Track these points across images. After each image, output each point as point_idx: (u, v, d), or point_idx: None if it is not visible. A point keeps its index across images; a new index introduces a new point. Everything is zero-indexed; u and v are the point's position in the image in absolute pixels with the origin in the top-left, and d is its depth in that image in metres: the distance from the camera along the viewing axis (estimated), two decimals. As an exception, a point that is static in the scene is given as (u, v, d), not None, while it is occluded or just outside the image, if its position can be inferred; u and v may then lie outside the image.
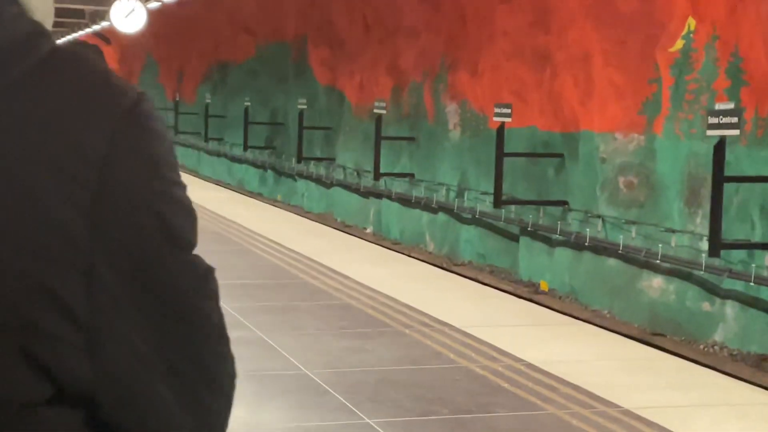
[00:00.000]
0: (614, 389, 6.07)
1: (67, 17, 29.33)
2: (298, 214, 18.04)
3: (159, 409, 0.96)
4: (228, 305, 8.22)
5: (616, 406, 5.76)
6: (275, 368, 6.47)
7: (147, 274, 0.94)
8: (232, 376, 1.03)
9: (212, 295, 1.06)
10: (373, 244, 13.20)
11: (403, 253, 15.40)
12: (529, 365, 6.63)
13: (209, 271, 1.08)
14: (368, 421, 5.46)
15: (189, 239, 1.02)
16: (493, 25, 15.29)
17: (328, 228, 14.12)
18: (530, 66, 14.57)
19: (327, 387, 6.04)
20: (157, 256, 0.95)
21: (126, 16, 18.86)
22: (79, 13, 27.87)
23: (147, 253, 0.94)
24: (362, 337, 7.30)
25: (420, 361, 6.71)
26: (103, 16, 26.00)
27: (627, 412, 5.65)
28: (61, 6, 25.21)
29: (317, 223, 15.06)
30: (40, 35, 0.97)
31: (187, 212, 1.02)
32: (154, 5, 20.20)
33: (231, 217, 13.66)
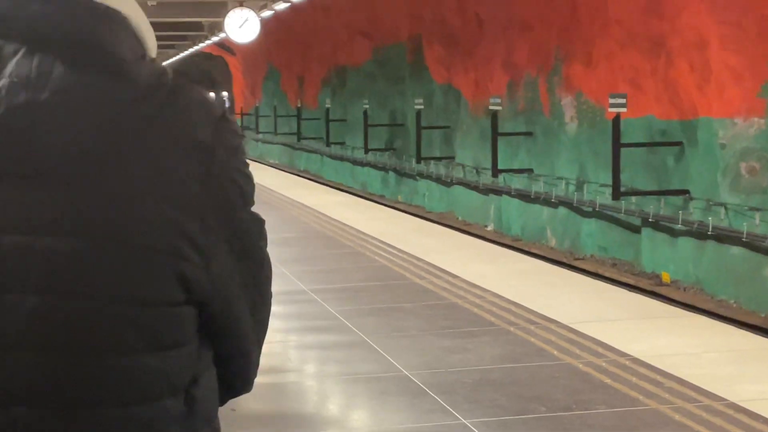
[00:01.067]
0: (721, 382, 5.87)
1: (188, 30, 29.94)
2: (418, 215, 18.07)
3: (240, 309, 1.49)
4: (334, 308, 8.26)
5: (722, 399, 5.58)
6: (375, 371, 6.45)
7: (231, 221, 1.45)
8: (271, 295, 1.57)
9: (265, 238, 1.55)
10: (488, 242, 13.08)
11: (525, 250, 15.27)
12: (635, 360, 6.46)
13: (263, 221, 1.56)
14: (464, 421, 5.40)
15: (252, 199, 1.51)
16: (605, 14, 15.03)
17: (443, 228, 14.07)
18: (644, 53, 14.28)
19: (425, 387, 5.99)
20: (236, 209, 1.46)
21: (240, 27, 19.12)
22: (198, 26, 28.41)
23: (231, 208, 1.45)
24: (465, 336, 7.23)
25: (521, 359, 6.61)
26: (221, 27, 26.50)
27: (732, 405, 5.46)
28: (179, 20, 25.75)
29: (433, 223, 15.03)
30: (164, 72, 1.47)
31: (252, 182, 1.52)
32: (267, 14, 20.44)
33: (344, 220, 13.72)
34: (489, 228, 19.23)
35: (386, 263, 10.34)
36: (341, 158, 29.34)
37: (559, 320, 7.59)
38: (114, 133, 1.38)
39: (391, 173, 25.28)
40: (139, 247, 1.37)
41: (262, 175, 22.82)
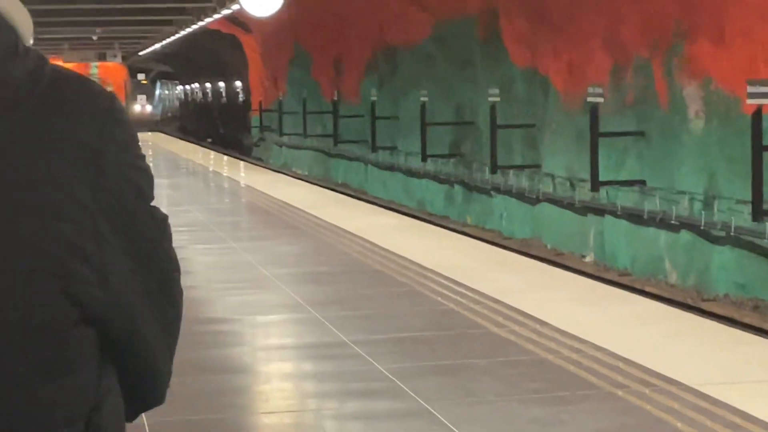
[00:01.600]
0: None
1: (191, 1, 30.17)
2: (494, 243, 18.08)
3: (144, 321, 1.76)
4: (383, 366, 8.26)
5: None
6: (441, 448, 6.47)
7: (129, 226, 1.69)
8: (181, 293, 1.86)
9: (169, 236, 1.81)
10: (587, 278, 13.01)
11: (634, 288, 15.19)
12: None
13: (166, 218, 1.79)
14: None
15: (151, 194, 1.74)
16: (741, -25, 15.02)
17: (527, 259, 14.04)
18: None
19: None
20: (134, 211, 1.70)
21: (257, -3, 19.27)
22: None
23: (128, 210, 1.68)
24: (559, 402, 7.20)
25: (634, 428, 6.59)
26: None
27: None
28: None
29: (511, 253, 14.99)
30: (39, 65, 1.66)
31: (149, 175, 1.74)
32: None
33: (397, 249, 13.72)
34: (588, 259, 19.18)
35: (453, 306, 10.33)
36: (391, 168, 29.42)
37: (682, 381, 7.55)
38: None
39: (457, 187, 25.31)
40: (21, 270, 1.59)
41: (287, 189, 23.01)
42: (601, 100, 17.55)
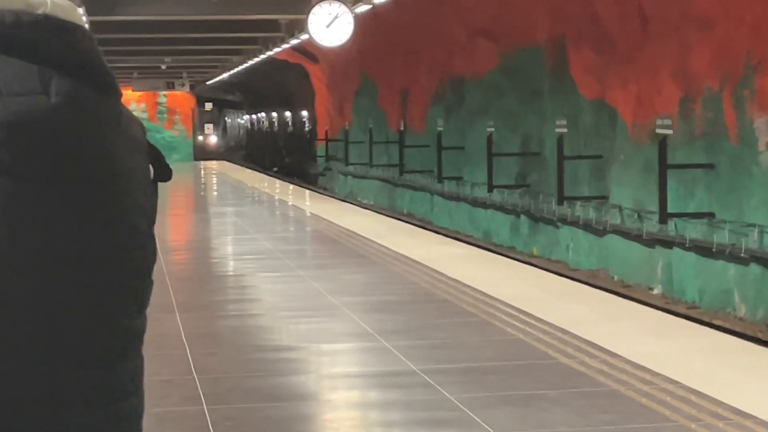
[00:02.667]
0: None
1: (261, 31, 30.23)
2: (560, 274, 17.95)
3: None
4: (453, 396, 8.20)
5: None
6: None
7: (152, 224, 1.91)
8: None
9: None
10: (657, 311, 12.89)
11: (703, 321, 15.03)
12: None
13: None
14: None
15: None
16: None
17: (597, 291, 13.94)
18: None
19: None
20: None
21: (327, 26, 19.27)
22: (274, 25, 28.70)
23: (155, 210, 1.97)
24: (631, 435, 7.15)
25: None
26: (303, 26, 26.69)
27: None
28: (250, 18, 26.05)
29: (579, 284, 14.89)
30: None
31: None
32: (363, 9, 20.51)
33: (465, 279, 13.67)
34: (655, 291, 19.01)
35: (522, 336, 10.26)
36: (457, 198, 29.36)
37: (757, 415, 7.44)
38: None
39: (522, 218, 25.21)
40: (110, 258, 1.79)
41: (353, 218, 23.06)
42: (670, 131, 17.43)
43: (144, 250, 1.82)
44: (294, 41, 28.40)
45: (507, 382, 8.66)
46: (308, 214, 25.19)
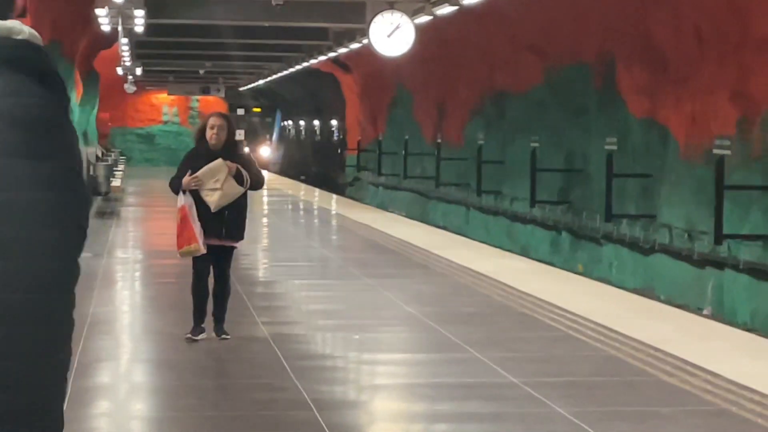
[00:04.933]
0: None
1: (308, 39, 30.17)
2: (622, 288, 17.89)
3: None
4: (565, 410, 8.14)
5: None
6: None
7: None
8: None
9: None
10: (743, 331, 12.83)
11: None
12: None
13: None
14: None
15: None
16: None
17: (672, 308, 13.86)
18: None
19: None
20: None
21: (389, 36, 19.23)
22: (322, 34, 28.71)
23: None
24: (755, 455, 7.12)
25: None
26: (352, 36, 26.61)
27: None
28: (298, 24, 25.99)
29: (653, 301, 14.81)
30: None
31: None
32: (424, 20, 20.50)
33: (537, 293, 13.60)
34: (706, 312, 18.91)
35: (614, 353, 10.20)
36: (495, 212, 29.25)
37: None
38: None
39: (564, 234, 25.11)
40: None
41: (404, 229, 22.97)
42: (728, 152, 17.34)
43: None
44: (342, 50, 28.36)
45: (614, 398, 8.61)
46: (357, 223, 24.98)
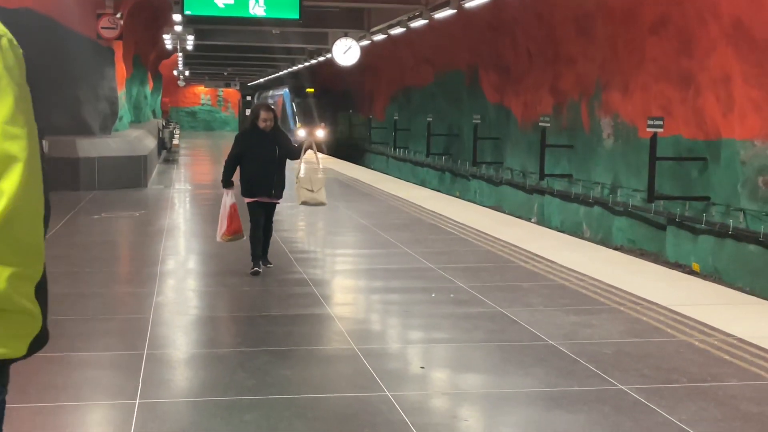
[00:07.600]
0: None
1: (292, 54, 29.48)
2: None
3: None
4: (465, 284, 7.90)
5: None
6: (523, 339, 6.11)
7: None
8: None
9: None
10: (562, 234, 12.51)
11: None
12: (741, 339, 6.09)
13: None
14: (622, 387, 5.05)
15: None
16: (642, 53, 14.59)
17: (511, 217, 13.56)
18: (676, 86, 13.84)
19: (574, 356, 5.65)
20: None
21: (344, 53, 18.76)
22: (302, 51, 28.00)
23: None
24: (585, 313, 6.85)
25: (643, 335, 6.24)
26: (321, 53, 26.03)
27: None
28: (287, 45, 25.36)
29: (509, 216, 14.53)
30: None
31: None
32: (364, 43, 20.06)
33: (438, 210, 13.29)
34: (533, 221, 18.75)
35: (490, 248, 9.89)
36: (404, 160, 28.83)
37: (658, 302, 7.17)
38: None
39: (447, 174, 24.78)
40: None
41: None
42: (548, 125, 17.04)
43: None
44: (314, 61, 27.68)
45: (493, 276, 8.28)
46: (324, 168, 23.85)
